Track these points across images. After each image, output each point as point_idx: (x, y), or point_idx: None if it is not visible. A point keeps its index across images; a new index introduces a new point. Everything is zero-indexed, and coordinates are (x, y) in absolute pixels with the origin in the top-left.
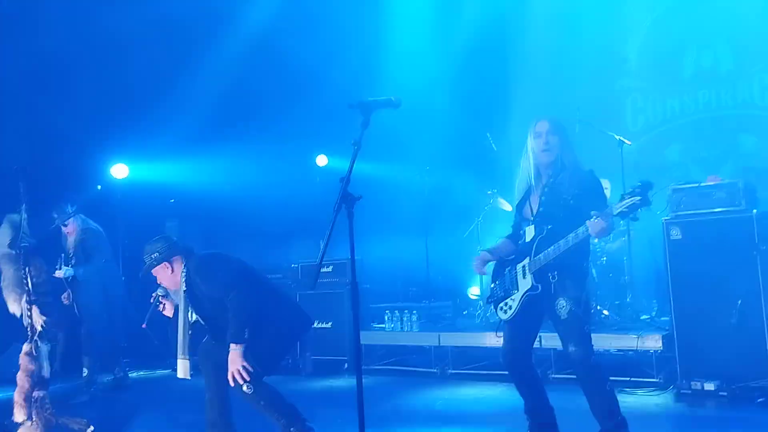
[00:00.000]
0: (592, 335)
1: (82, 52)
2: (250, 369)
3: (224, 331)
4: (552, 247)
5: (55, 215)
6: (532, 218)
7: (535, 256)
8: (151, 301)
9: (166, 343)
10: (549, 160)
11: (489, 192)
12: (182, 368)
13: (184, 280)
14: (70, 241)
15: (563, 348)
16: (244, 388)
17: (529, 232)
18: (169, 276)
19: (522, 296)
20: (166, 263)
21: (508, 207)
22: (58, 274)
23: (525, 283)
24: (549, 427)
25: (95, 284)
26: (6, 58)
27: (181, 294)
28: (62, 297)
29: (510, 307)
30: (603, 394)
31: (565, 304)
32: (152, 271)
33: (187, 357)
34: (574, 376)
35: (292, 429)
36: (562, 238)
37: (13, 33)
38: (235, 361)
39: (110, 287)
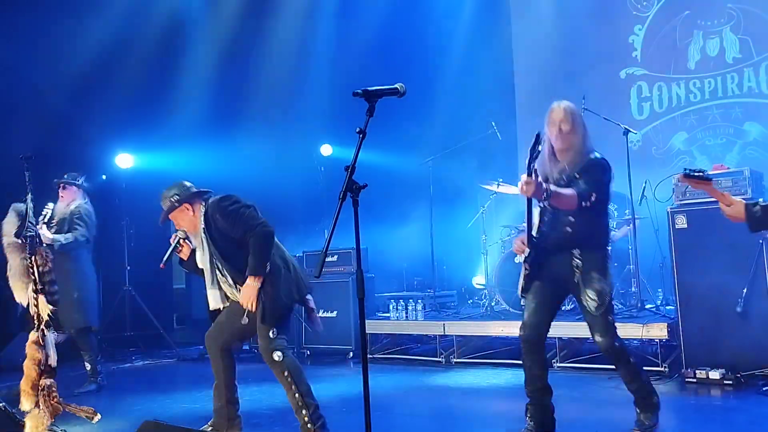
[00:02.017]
0: None
1: (88, 40)
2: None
3: (242, 272)
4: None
5: (66, 176)
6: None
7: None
8: (171, 242)
9: (171, 331)
10: (562, 147)
11: (496, 183)
12: (213, 298)
13: (203, 220)
14: (60, 206)
15: (591, 335)
16: (275, 356)
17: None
18: (190, 218)
19: (524, 273)
20: (186, 204)
21: (515, 190)
22: (46, 233)
23: (526, 265)
24: (549, 410)
25: (78, 266)
26: (12, 48)
27: (201, 234)
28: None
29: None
30: (628, 366)
31: (591, 298)
32: (170, 215)
33: (216, 288)
34: (577, 365)
35: (307, 400)
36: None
37: (18, 21)
38: (250, 294)
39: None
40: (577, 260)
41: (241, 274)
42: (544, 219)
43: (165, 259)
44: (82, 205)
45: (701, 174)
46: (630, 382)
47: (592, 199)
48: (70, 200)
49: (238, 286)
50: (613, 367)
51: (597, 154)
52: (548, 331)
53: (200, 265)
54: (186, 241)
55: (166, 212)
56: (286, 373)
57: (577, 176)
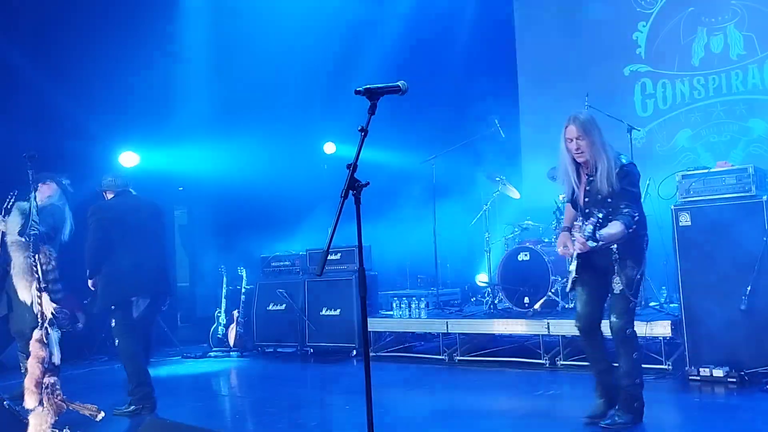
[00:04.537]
0: (602, 322)
1: (92, 38)
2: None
3: None
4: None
5: (46, 173)
6: (581, 214)
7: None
8: None
9: (175, 329)
10: (582, 161)
11: (497, 179)
12: None
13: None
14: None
15: (608, 316)
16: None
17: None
18: None
19: (572, 277)
20: None
21: (515, 194)
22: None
23: (573, 267)
24: (614, 387)
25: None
26: (15, 45)
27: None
28: None
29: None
30: (629, 359)
31: (619, 281)
32: None
33: None
34: (583, 363)
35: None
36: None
37: (21, 19)
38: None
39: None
40: (615, 255)
41: None
42: (584, 220)
43: None
44: (53, 205)
45: None
46: (625, 376)
47: (636, 219)
48: (44, 197)
49: None
50: (616, 357)
51: (623, 159)
52: (601, 318)
53: None
54: None
55: None
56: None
57: (612, 190)
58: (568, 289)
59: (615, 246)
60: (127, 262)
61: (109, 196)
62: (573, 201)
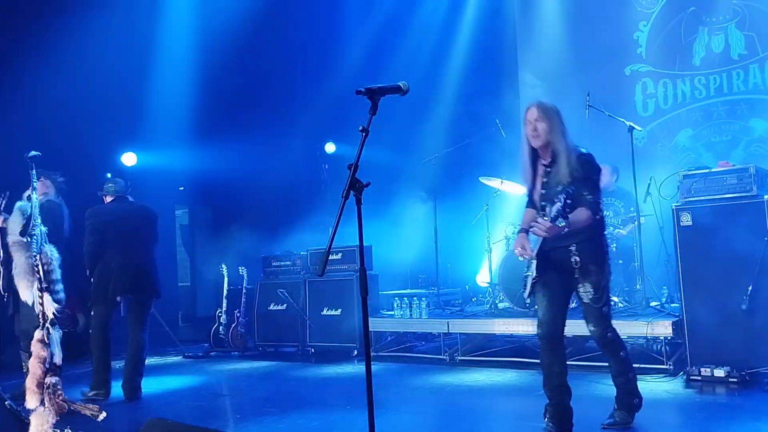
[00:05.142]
0: None
1: (93, 38)
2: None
3: None
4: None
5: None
6: (539, 209)
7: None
8: None
9: (176, 329)
10: (537, 145)
11: (500, 182)
12: None
13: None
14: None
15: (586, 325)
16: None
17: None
18: None
19: (531, 280)
20: None
21: (520, 190)
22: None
23: (532, 269)
24: (568, 411)
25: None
26: (17, 46)
27: None
28: None
29: (527, 288)
30: (618, 359)
31: (586, 290)
32: None
33: None
34: (585, 363)
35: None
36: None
37: (22, 19)
38: None
39: None
40: (575, 257)
41: None
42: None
43: None
44: (50, 201)
45: None
46: (617, 375)
47: (600, 205)
48: (40, 194)
49: None
50: (606, 365)
51: (583, 150)
52: (564, 326)
53: None
54: None
55: None
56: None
57: (573, 179)
58: (527, 295)
59: (574, 246)
60: (116, 264)
61: (108, 199)
62: (530, 196)
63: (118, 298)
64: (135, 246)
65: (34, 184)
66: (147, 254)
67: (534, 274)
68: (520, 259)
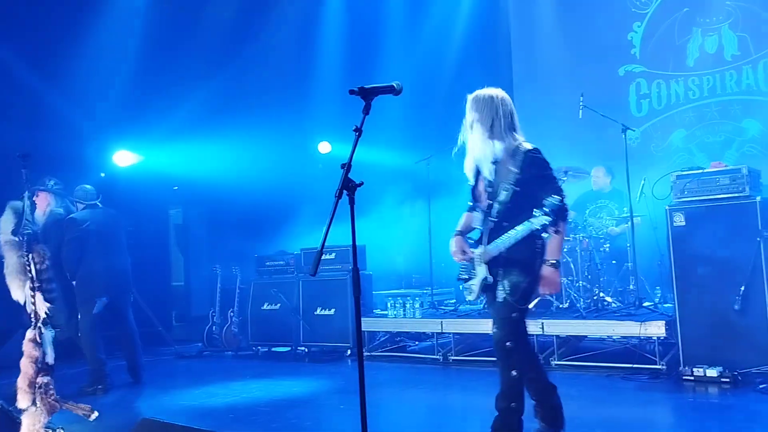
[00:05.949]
0: (596, 322)
1: (85, 38)
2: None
3: None
4: (503, 237)
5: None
6: (484, 204)
7: (487, 246)
8: None
9: (170, 328)
10: (477, 137)
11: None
12: None
13: None
14: (38, 214)
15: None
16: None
17: (483, 218)
18: None
19: (480, 282)
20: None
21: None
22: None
23: (481, 271)
24: (557, 407)
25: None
26: (8, 44)
27: None
28: None
29: (472, 291)
30: (507, 377)
31: (503, 289)
32: None
33: None
34: (577, 363)
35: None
36: (512, 228)
37: (15, 18)
38: None
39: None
40: (503, 253)
41: None
42: (486, 214)
43: None
44: (54, 210)
45: None
46: (500, 398)
47: (565, 202)
48: (44, 206)
49: None
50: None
51: (528, 145)
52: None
53: None
54: None
55: None
56: (84, 346)
57: (522, 179)
58: (475, 297)
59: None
60: (99, 266)
61: (80, 207)
62: (474, 194)
63: (104, 299)
64: (113, 249)
65: (33, 198)
66: (123, 256)
67: (485, 275)
68: (457, 261)
